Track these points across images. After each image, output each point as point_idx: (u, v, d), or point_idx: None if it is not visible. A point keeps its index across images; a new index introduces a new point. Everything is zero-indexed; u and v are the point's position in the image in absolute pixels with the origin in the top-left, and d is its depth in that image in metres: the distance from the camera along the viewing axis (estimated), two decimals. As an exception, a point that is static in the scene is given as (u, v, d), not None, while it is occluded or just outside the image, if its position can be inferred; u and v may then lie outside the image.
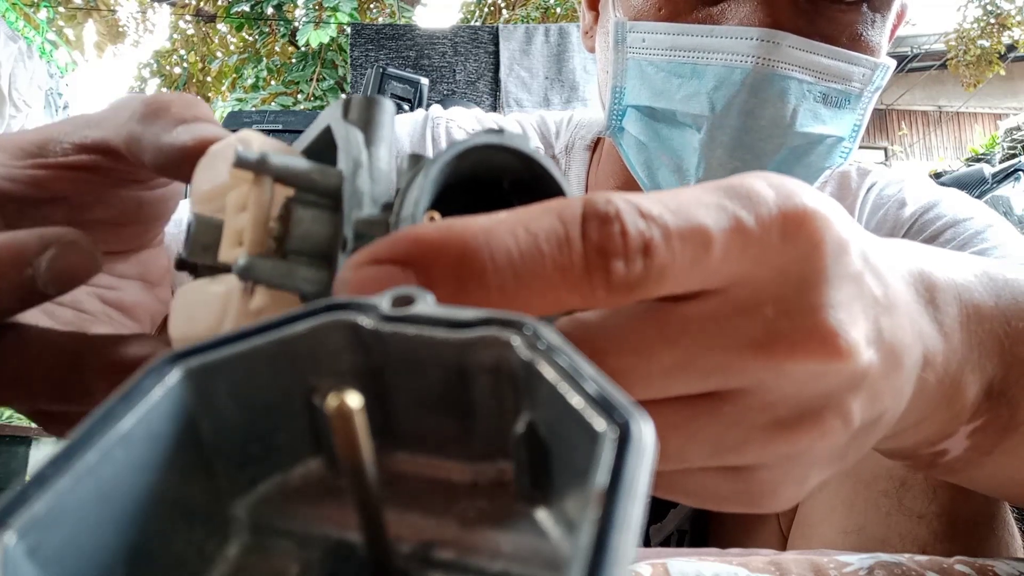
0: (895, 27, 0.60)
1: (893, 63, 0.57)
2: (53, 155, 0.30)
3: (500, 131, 0.22)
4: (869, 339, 0.22)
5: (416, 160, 0.22)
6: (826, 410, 0.22)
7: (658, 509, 0.68)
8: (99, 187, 0.30)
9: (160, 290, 0.37)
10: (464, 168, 0.22)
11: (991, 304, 0.29)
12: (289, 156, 0.21)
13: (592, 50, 0.66)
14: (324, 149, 0.23)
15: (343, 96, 0.26)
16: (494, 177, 0.23)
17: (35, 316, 0.31)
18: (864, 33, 0.54)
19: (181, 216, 0.51)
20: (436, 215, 0.20)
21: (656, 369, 0.20)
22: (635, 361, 0.20)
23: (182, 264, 0.25)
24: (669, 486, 0.24)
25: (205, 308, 0.22)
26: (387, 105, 0.24)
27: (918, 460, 0.33)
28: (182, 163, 0.26)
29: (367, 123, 0.23)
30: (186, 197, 0.33)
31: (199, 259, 0.23)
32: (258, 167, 0.20)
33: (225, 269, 0.22)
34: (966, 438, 0.31)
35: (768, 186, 0.21)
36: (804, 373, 0.21)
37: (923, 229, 0.62)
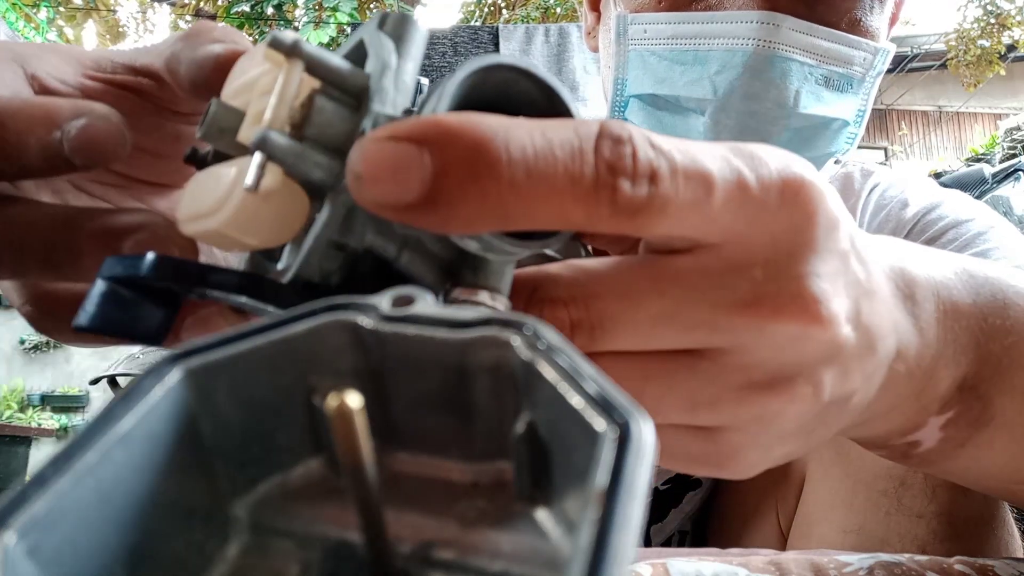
0: (894, 15, 0.60)
1: (893, 47, 0.57)
2: (103, 70, 0.30)
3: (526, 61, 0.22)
4: (848, 315, 0.23)
5: (435, 87, 0.23)
6: (799, 377, 0.22)
7: (659, 509, 0.68)
8: (141, 110, 0.31)
9: None
10: (486, 88, 0.22)
11: (969, 301, 0.30)
12: (323, 50, 0.22)
13: (595, 50, 0.66)
14: (355, 61, 0.23)
15: (379, 11, 0.27)
16: (512, 108, 0.23)
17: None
18: (863, 18, 0.54)
19: None
20: None
21: (643, 317, 0.21)
22: (624, 307, 0.21)
23: (192, 156, 0.25)
24: None
25: (213, 188, 0.22)
26: (421, 26, 0.24)
27: (892, 450, 0.33)
28: (213, 73, 0.27)
29: (399, 37, 0.23)
30: None
31: (213, 141, 0.23)
32: (291, 50, 0.21)
33: (240, 155, 0.22)
34: (939, 430, 0.31)
35: (771, 152, 0.22)
36: (784, 336, 0.21)
37: (925, 230, 0.62)
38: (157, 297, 0.23)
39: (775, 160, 0.21)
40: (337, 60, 0.22)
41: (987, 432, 0.32)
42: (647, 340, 0.21)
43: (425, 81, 0.25)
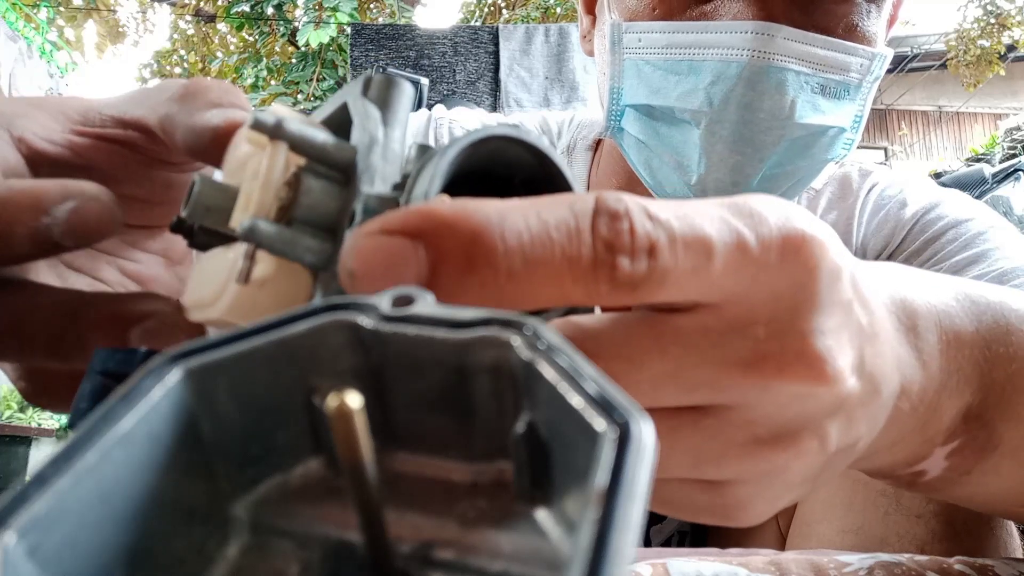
0: (893, 16, 0.60)
1: (891, 52, 0.57)
2: (92, 124, 0.30)
3: (516, 126, 0.22)
4: (853, 367, 0.22)
5: (424, 150, 0.22)
6: (805, 431, 0.22)
7: None
8: (132, 163, 0.31)
9: (181, 269, 0.37)
10: (477, 158, 0.21)
11: (971, 329, 0.30)
12: (307, 125, 0.21)
13: (591, 54, 0.66)
14: (338, 126, 0.23)
15: (364, 73, 0.27)
16: (505, 172, 0.23)
17: (49, 280, 0.31)
18: (860, 23, 0.54)
19: None
20: (447, 198, 0.20)
21: (645, 377, 0.20)
22: (626, 368, 0.20)
23: (178, 226, 0.25)
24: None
25: (212, 275, 0.21)
26: (406, 88, 0.24)
27: (898, 480, 0.33)
28: (211, 145, 0.26)
29: (385, 103, 0.23)
30: None
31: (200, 220, 0.23)
32: (273, 131, 0.20)
33: (229, 233, 0.22)
34: (944, 459, 0.31)
35: (771, 207, 0.21)
36: (788, 394, 0.21)
37: (924, 229, 0.62)
38: None
39: (774, 216, 0.21)
40: (322, 136, 0.21)
41: (992, 459, 0.32)
42: (650, 399, 0.21)
43: (425, 81, 0.25)
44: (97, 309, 0.27)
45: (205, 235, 0.24)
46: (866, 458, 0.28)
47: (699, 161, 0.55)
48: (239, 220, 0.21)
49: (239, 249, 0.21)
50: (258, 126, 0.20)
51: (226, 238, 0.23)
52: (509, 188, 0.23)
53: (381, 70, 0.24)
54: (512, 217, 0.18)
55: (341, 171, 0.21)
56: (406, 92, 0.23)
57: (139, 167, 0.31)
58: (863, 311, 0.23)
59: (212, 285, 0.21)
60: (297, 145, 0.21)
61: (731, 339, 0.21)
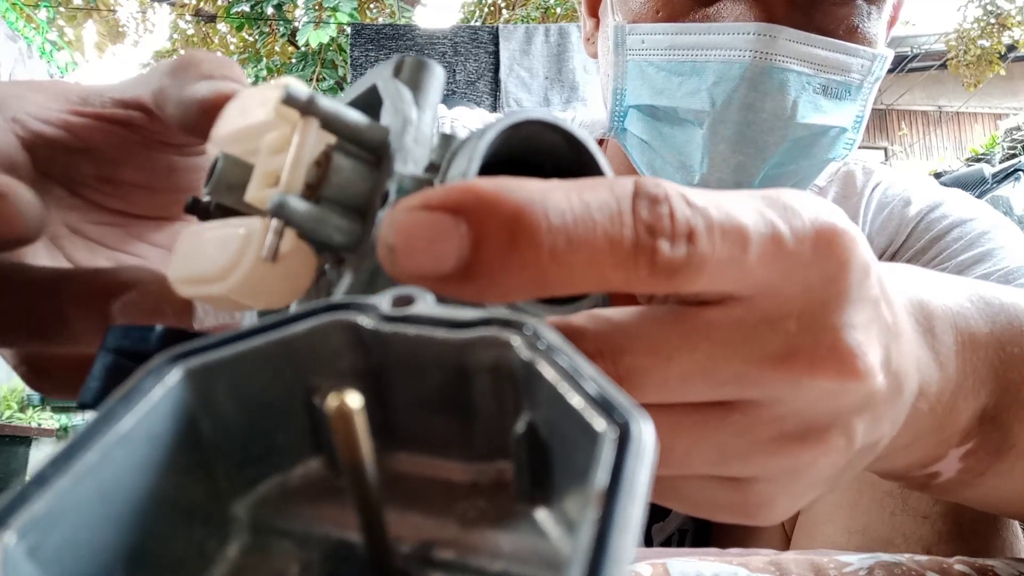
0: (893, 18, 0.60)
1: (891, 53, 0.57)
2: (90, 105, 0.29)
3: (550, 113, 0.22)
4: (882, 364, 0.22)
5: (447, 139, 0.22)
6: (832, 428, 0.22)
7: (661, 508, 0.68)
8: (131, 144, 0.30)
9: None
10: (511, 142, 0.21)
11: (986, 331, 0.30)
12: (338, 103, 0.21)
13: (594, 56, 0.66)
14: (365, 109, 0.22)
15: (396, 56, 0.26)
16: (536, 159, 0.22)
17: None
18: (860, 25, 0.54)
19: None
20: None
21: (674, 372, 0.20)
22: (655, 362, 0.20)
23: (193, 206, 0.24)
24: (669, 491, 0.24)
25: (219, 249, 0.21)
26: (438, 71, 0.23)
27: (911, 481, 0.33)
28: (200, 116, 0.26)
29: (417, 86, 0.22)
30: None
31: (222, 198, 0.22)
32: (307, 107, 0.20)
33: (245, 213, 0.21)
34: (958, 460, 0.31)
35: (803, 201, 0.21)
36: (819, 390, 0.21)
37: (929, 228, 0.62)
38: None
39: (808, 210, 0.21)
40: (354, 115, 0.21)
41: (1007, 461, 0.31)
42: (677, 394, 0.21)
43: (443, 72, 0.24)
44: (76, 283, 0.26)
45: (222, 214, 0.23)
46: (883, 459, 0.28)
47: (702, 161, 0.55)
48: (257, 195, 0.21)
49: (253, 225, 0.20)
50: (290, 101, 0.20)
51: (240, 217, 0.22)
52: (540, 176, 0.23)
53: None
54: (555, 196, 0.17)
55: (372, 151, 0.21)
56: (437, 76, 0.23)
57: (140, 149, 0.30)
58: (888, 310, 0.23)
59: (218, 260, 0.20)
60: (329, 122, 0.20)
61: (762, 333, 0.20)
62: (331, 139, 0.20)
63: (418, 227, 0.16)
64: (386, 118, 0.21)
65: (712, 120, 0.53)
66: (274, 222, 0.19)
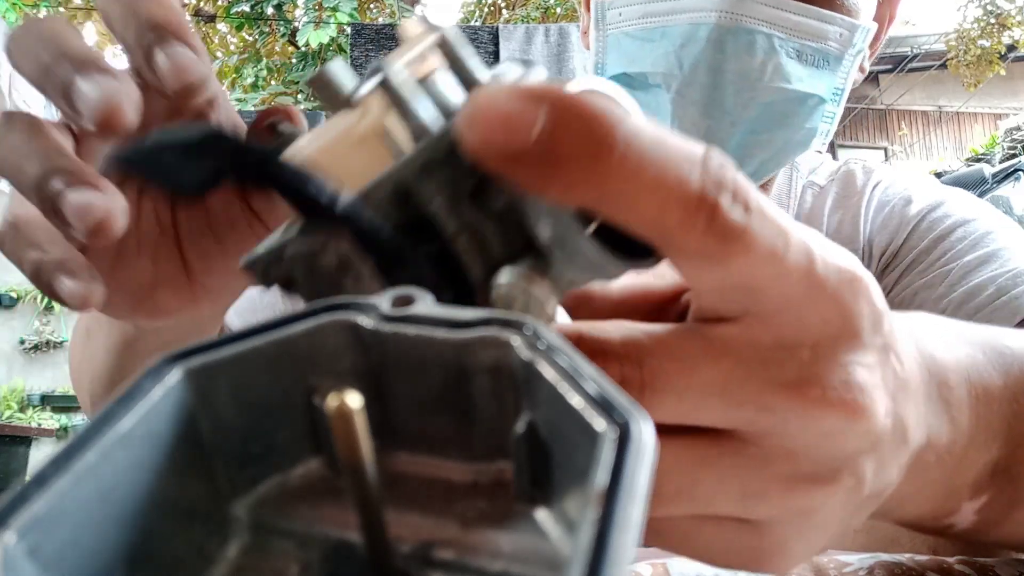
0: (892, 15, 0.60)
1: (874, 26, 0.57)
2: None
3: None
4: (887, 410, 0.22)
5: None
6: (843, 469, 0.22)
7: None
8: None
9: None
10: None
11: (1000, 384, 0.30)
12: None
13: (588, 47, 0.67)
14: None
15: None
16: None
17: None
18: None
19: None
20: None
21: (696, 384, 0.20)
22: (678, 370, 0.20)
23: (271, 128, 0.26)
24: (686, 540, 0.24)
25: (329, 127, 0.22)
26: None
27: (926, 530, 0.33)
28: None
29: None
30: None
31: (321, 90, 0.23)
32: (432, 26, 0.22)
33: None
34: (973, 513, 0.31)
35: (828, 241, 0.22)
36: (828, 426, 0.21)
37: (932, 227, 0.62)
38: (206, 163, 0.22)
39: (832, 248, 0.21)
40: (470, 51, 0.23)
41: (1022, 511, 0.32)
42: (694, 411, 0.21)
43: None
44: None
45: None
46: (892, 508, 0.28)
47: (670, 126, 0.55)
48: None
49: (370, 110, 0.22)
50: (422, 21, 0.22)
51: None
52: None
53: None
54: (638, 118, 0.18)
55: (468, 86, 0.23)
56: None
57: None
58: (897, 360, 0.23)
59: (322, 134, 0.22)
60: (445, 44, 0.22)
61: (778, 357, 0.21)
62: (436, 68, 0.22)
63: (500, 102, 0.17)
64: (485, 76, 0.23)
65: (680, 83, 0.54)
66: (376, 78, 0.21)
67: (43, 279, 0.29)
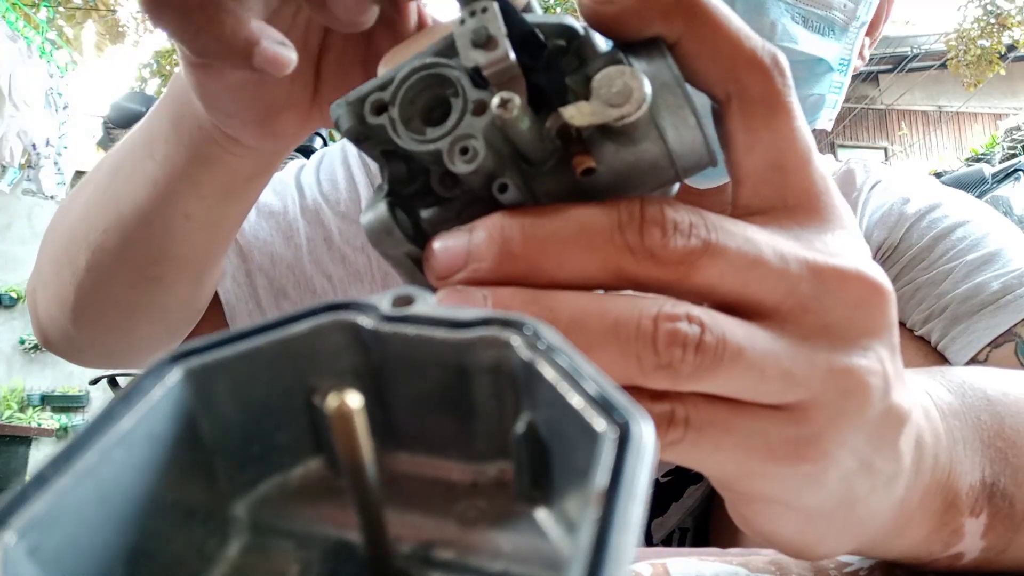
0: (888, 10, 0.60)
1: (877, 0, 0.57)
2: None
3: None
4: (890, 386, 0.24)
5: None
6: (874, 346, 0.24)
7: (660, 503, 0.68)
8: None
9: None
10: None
11: (958, 403, 0.32)
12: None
13: None
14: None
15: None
16: None
17: None
18: None
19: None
20: None
21: (741, 260, 0.23)
22: (730, 237, 0.22)
23: None
24: (722, 431, 0.23)
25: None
26: None
27: (937, 564, 0.33)
28: None
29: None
30: None
31: None
32: None
33: None
34: (980, 539, 0.31)
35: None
36: (855, 297, 0.23)
37: (932, 226, 0.62)
38: None
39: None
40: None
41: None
42: (744, 286, 0.22)
43: None
44: None
45: None
46: (902, 528, 0.29)
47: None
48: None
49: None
50: None
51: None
52: None
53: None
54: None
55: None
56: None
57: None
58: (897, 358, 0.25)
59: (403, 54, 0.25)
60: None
61: (806, 237, 0.23)
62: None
63: None
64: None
65: None
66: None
67: (239, 46, 0.29)
